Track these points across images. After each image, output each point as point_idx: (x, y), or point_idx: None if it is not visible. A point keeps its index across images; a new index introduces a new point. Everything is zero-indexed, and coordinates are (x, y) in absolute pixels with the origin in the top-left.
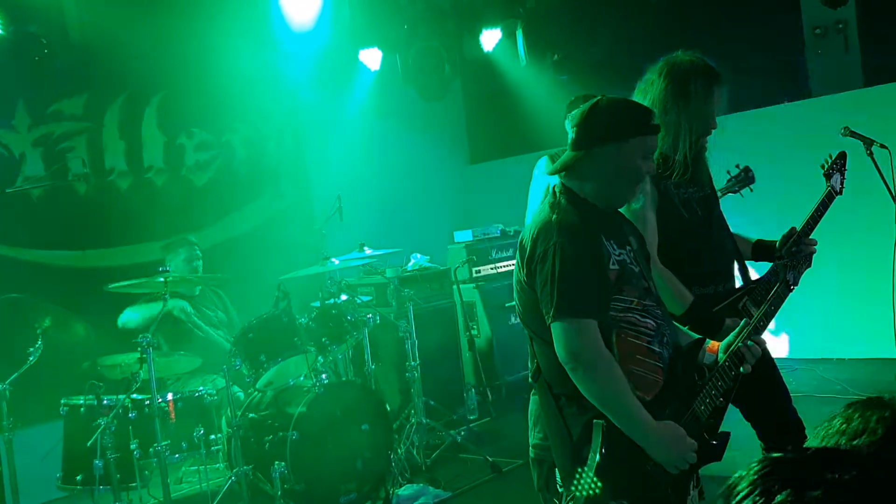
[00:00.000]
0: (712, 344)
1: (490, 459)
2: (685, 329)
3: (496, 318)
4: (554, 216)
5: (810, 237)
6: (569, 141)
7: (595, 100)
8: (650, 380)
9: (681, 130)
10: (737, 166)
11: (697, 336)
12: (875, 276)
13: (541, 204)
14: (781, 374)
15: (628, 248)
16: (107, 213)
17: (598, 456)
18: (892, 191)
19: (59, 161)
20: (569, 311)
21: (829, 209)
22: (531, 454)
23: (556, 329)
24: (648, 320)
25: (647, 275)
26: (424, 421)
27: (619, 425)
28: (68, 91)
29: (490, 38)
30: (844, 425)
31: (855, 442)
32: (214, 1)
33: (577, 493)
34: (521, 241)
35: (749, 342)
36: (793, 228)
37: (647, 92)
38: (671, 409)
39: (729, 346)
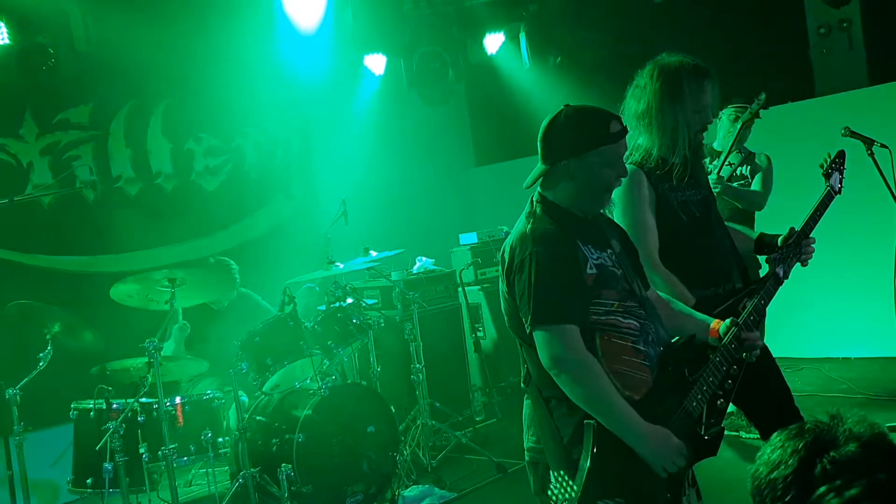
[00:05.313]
0: (714, 325)
1: (495, 460)
2: (695, 314)
3: (501, 319)
4: (529, 226)
5: (809, 236)
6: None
7: (555, 113)
8: (638, 378)
9: (679, 130)
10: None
11: (707, 317)
12: (878, 276)
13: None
14: (782, 372)
15: (609, 251)
16: (116, 219)
17: (589, 456)
18: (893, 190)
19: (67, 169)
20: (547, 319)
21: (830, 209)
22: (526, 457)
23: (537, 337)
24: (631, 321)
25: (630, 276)
26: (430, 422)
27: (607, 426)
28: (74, 100)
29: (493, 42)
30: (767, 456)
31: (773, 474)
32: (219, 8)
33: (572, 494)
34: (502, 253)
35: (742, 335)
36: (792, 229)
37: (640, 97)
38: (662, 406)
39: (721, 338)
